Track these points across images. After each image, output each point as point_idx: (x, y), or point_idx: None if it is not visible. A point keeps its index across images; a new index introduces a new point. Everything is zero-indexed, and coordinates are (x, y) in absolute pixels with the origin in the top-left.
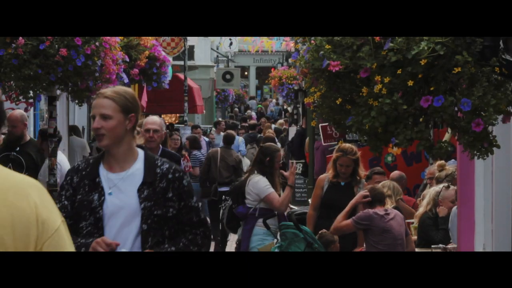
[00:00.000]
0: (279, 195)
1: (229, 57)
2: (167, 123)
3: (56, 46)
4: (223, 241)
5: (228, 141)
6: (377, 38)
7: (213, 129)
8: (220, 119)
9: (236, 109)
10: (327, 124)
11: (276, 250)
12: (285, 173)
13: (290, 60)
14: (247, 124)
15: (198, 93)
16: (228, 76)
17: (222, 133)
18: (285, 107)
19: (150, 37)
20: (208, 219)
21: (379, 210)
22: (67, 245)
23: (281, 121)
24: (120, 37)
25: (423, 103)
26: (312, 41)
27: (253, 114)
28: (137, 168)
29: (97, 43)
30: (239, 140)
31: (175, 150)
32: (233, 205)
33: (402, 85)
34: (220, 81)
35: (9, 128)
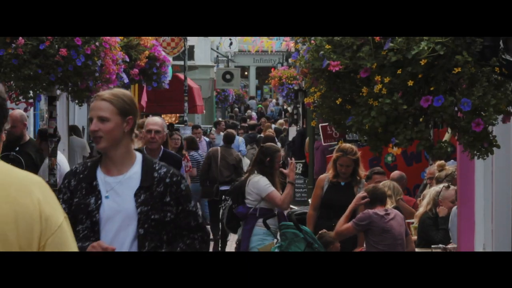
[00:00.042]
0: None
1: (229, 57)
2: (167, 123)
3: (56, 46)
4: (223, 241)
5: (228, 140)
6: (377, 38)
7: (213, 129)
8: (220, 119)
9: (236, 109)
10: (327, 124)
11: (276, 250)
12: (285, 171)
13: (290, 60)
14: (246, 125)
15: (198, 93)
16: (228, 76)
17: (222, 133)
18: (285, 107)
19: (150, 37)
20: (208, 220)
21: (379, 210)
22: (70, 241)
23: (281, 121)
24: (120, 37)
25: (423, 103)
26: (312, 41)
27: (254, 114)
28: (135, 171)
29: (97, 43)
30: (239, 140)
31: (175, 150)
32: (233, 205)
33: (402, 85)
34: (220, 81)
35: (8, 128)
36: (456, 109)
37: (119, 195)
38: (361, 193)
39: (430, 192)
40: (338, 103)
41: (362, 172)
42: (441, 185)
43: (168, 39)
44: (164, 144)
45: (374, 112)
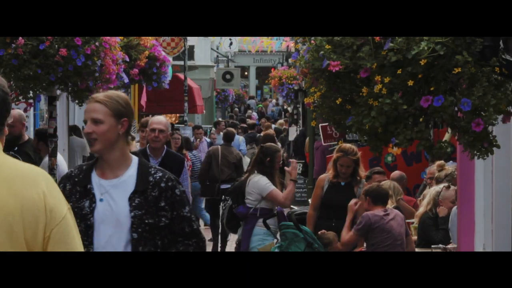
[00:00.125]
0: None
1: (229, 57)
2: None
3: (56, 46)
4: (223, 241)
5: (228, 138)
6: (377, 38)
7: (213, 129)
8: (220, 119)
9: (236, 109)
10: (327, 124)
11: (276, 250)
12: (287, 169)
13: (290, 60)
14: (245, 125)
15: (198, 93)
16: (228, 76)
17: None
18: (285, 107)
19: (150, 37)
20: (207, 220)
21: (378, 211)
22: (74, 232)
23: (281, 121)
24: (120, 37)
25: (423, 103)
26: (312, 41)
27: (254, 114)
28: (130, 175)
29: (97, 43)
30: (240, 139)
31: (175, 149)
32: (233, 205)
33: (402, 85)
34: (220, 81)
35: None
36: (456, 109)
37: (113, 199)
38: (352, 202)
39: (430, 192)
40: (338, 103)
41: (362, 172)
42: (441, 185)
43: (168, 39)
44: (167, 144)
45: (374, 112)
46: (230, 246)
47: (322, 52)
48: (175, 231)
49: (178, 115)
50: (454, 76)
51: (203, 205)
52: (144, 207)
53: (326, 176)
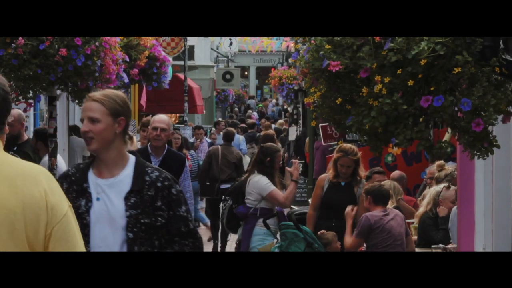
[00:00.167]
0: None
1: (229, 57)
2: None
3: (56, 46)
4: (223, 241)
5: (228, 137)
6: (377, 38)
7: (213, 129)
8: (220, 119)
9: (236, 109)
10: (327, 124)
11: (276, 250)
12: (289, 169)
13: (290, 60)
14: (245, 125)
15: (198, 93)
16: (228, 76)
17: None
18: (285, 107)
19: (150, 37)
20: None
21: (377, 212)
22: (75, 229)
23: (281, 121)
24: (120, 37)
25: (423, 103)
26: (312, 41)
27: (254, 114)
28: (126, 174)
29: (97, 43)
30: (240, 138)
31: (175, 149)
32: (233, 205)
33: (402, 85)
34: (220, 81)
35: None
36: (456, 109)
37: (109, 198)
38: (349, 208)
39: (430, 192)
40: (338, 103)
41: (363, 172)
42: (441, 185)
43: (168, 39)
44: (168, 143)
45: (374, 112)
46: (230, 246)
47: (322, 52)
48: (171, 231)
49: (178, 115)
50: (454, 76)
51: (199, 206)
52: (140, 206)
53: (326, 176)
